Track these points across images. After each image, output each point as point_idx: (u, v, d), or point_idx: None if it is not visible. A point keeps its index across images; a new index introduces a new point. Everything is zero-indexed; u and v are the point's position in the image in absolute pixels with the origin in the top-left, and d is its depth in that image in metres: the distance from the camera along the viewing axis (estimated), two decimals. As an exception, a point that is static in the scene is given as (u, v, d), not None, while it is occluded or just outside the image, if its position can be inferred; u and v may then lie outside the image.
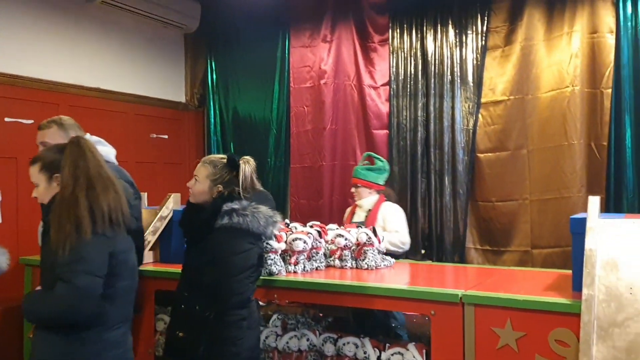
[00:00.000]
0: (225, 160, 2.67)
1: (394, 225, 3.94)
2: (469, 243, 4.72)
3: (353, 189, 4.18)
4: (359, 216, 4.10)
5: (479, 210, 4.71)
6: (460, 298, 2.58)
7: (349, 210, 4.35)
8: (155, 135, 5.65)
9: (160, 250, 3.75)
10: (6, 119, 4.35)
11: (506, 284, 2.95)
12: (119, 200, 2.22)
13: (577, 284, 2.57)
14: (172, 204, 3.75)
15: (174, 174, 5.84)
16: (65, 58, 4.81)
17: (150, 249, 3.64)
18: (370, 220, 3.97)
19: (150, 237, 3.60)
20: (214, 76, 6.07)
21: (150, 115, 5.60)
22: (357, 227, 3.52)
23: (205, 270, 2.51)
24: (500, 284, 2.96)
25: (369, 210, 4.07)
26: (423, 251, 4.82)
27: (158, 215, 3.65)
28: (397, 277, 3.28)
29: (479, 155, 4.70)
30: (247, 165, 2.64)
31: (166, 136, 5.78)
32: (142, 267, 3.48)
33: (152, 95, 5.65)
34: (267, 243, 3.10)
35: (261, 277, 3.08)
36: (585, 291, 2.30)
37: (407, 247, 3.94)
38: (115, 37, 5.28)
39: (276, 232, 2.83)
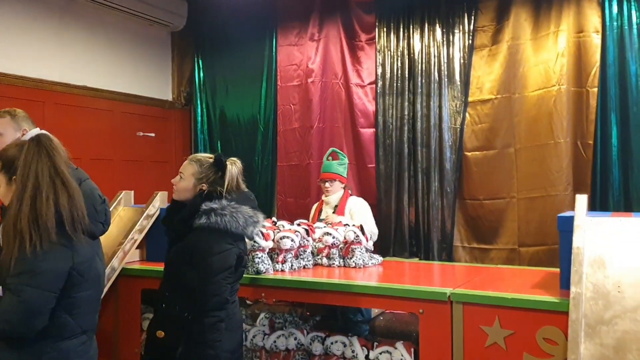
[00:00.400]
0: (212, 160, 2.61)
1: (360, 217, 3.93)
2: (457, 241, 4.73)
3: (328, 184, 4.08)
4: (327, 213, 4.07)
5: (466, 208, 4.73)
6: (449, 296, 2.58)
7: (315, 207, 4.28)
8: (142, 134, 5.60)
9: (147, 248, 3.71)
10: (-10, 117, 4.27)
11: (494, 282, 2.96)
12: (75, 206, 2.03)
13: (564, 282, 2.56)
14: (159, 202, 3.71)
15: (161, 172, 5.79)
16: (51, 55, 4.75)
17: (137, 248, 3.60)
18: (339, 215, 3.94)
19: (136, 236, 3.56)
20: (201, 74, 6.02)
21: (136, 114, 5.55)
22: (345, 225, 3.50)
23: (183, 271, 2.46)
24: (489, 282, 2.96)
25: (336, 206, 4.05)
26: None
27: (144, 214, 3.61)
28: (385, 276, 3.26)
29: (466, 153, 4.71)
30: (234, 167, 2.59)
31: (153, 134, 5.73)
32: (128, 266, 3.46)
33: (138, 93, 5.60)
34: (255, 241, 3.08)
35: (248, 276, 3.06)
36: (573, 289, 2.30)
37: (375, 237, 3.93)
38: (101, 35, 5.22)
39: (257, 232, 2.76)
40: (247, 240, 3.04)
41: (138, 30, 5.60)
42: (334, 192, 4.08)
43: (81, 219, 2.04)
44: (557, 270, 2.83)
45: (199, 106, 6.00)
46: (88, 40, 5.09)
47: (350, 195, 4.12)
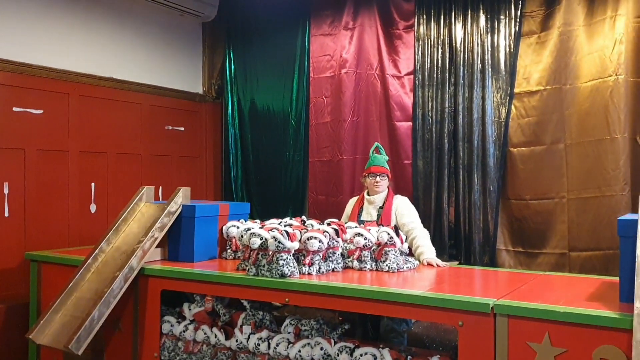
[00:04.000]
0: None
1: (411, 217, 3.68)
2: (500, 244, 4.41)
3: (378, 179, 3.78)
4: (370, 214, 3.79)
5: (511, 208, 4.39)
6: (492, 308, 2.32)
7: (354, 202, 3.97)
8: (171, 127, 5.45)
9: (168, 247, 3.55)
10: (14, 109, 4.18)
11: (543, 292, 2.67)
12: None
13: (625, 295, 2.34)
14: (181, 198, 3.54)
15: (191, 168, 5.65)
16: (77, 46, 4.63)
17: (157, 246, 3.43)
18: (385, 217, 3.67)
19: (157, 234, 3.39)
20: (232, 66, 5.84)
21: (165, 107, 5.40)
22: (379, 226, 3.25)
23: None
24: (537, 291, 2.68)
25: (381, 207, 3.77)
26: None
27: (166, 211, 3.44)
28: (421, 282, 3.03)
29: (511, 149, 4.38)
30: None
31: (182, 128, 5.57)
32: (148, 265, 3.30)
33: (168, 86, 5.44)
34: (280, 242, 2.86)
35: (272, 279, 2.86)
36: (637, 304, 2.03)
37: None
38: (129, 25, 5.08)
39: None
40: (270, 241, 2.83)
41: (168, 21, 5.45)
42: (383, 189, 3.82)
43: None
44: (615, 279, 2.55)
45: (230, 99, 5.81)
46: (115, 30, 4.95)
47: (395, 194, 3.86)
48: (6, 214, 4.11)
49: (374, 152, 3.90)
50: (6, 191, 4.12)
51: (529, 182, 4.31)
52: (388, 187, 3.87)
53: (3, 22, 4.14)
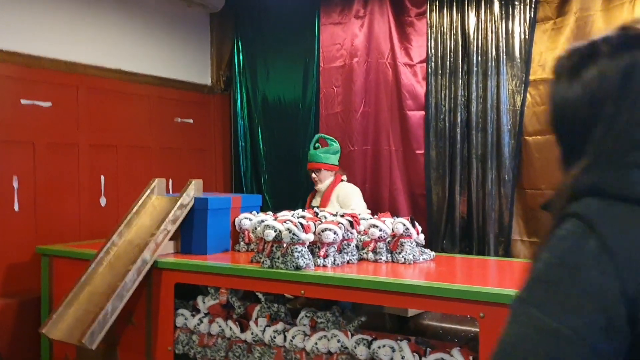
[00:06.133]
0: None
1: (348, 203, 3.94)
2: (515, 235, 4.34)
3: (314, 175, 4.11)
4: (316, 200, 4.09)
5: (526, 198, 4.32)
6: (514, 299, 2.25)
7: (309, 197, 4.33)
8: (180, 120, 5.40)
9: (181, 240, 3.50)
10: (22, 102, 4.13)
11: (565, 283, 2.60)
12: None
13: None
14: (194, 190, 3.49)
15: (200, 160, 5.61)
16: (85, 38, 4.57)
17: (170, 239, 3.39)
18: (324, 202, 3.94)
19: (170, 227, 3.35)
20: (241, 57, 5.77)
21: (174, 99, 5.34)
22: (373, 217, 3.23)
23: None
24: (558, 282, 2.61)
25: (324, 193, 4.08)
26: None
27: (178, 203, 3.40)
28: (438, 273, 2.97)
29: (527, 138, 4.30)
30: None
31: (191, 120, 5.52)
32: (161, 259, 3.26)
33: (176, 78, 5.37)
34: (294, 234, 2.81)
35: (287, 272, 2.81)
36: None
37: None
38: (137, 17, 5.02)
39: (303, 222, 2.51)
40: (284, 233, 2.79)
41: (175, 12, 5.38)
42: (324, 182, 4.05)
43: None
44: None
45: (239, 91, 5.76)
46: (123, 21, 4.89)
47: (342, 181, 4.06)
48: (16, 209, 4.08)
49: (314, 146, 4.16)
50: (15, 185, 4.08)
51: (545, 171, 4.23)
52: (336, 174, 4.11)
53: (11, 14, 4.08)
